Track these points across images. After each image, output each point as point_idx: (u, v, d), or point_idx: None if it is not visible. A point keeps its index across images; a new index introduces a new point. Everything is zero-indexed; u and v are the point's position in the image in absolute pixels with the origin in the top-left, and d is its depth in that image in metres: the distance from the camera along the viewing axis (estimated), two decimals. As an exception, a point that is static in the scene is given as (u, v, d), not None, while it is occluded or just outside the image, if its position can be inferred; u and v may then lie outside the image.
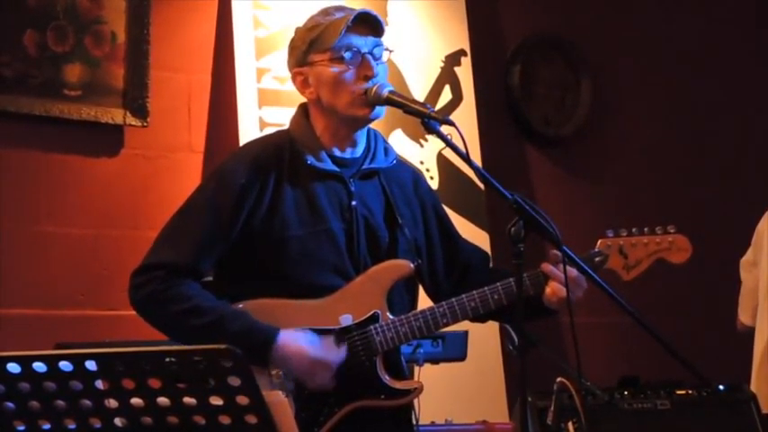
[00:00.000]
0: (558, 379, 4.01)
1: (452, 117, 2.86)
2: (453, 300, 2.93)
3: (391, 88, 2.91)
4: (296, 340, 2.83)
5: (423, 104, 2.88)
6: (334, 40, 2.90)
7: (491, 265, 3.22)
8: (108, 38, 4.55)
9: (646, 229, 3.04)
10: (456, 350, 4.02)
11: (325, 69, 2.93)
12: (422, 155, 5.04)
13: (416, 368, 3.89)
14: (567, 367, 4.03)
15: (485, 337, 4.58)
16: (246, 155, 2.99)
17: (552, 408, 4.03)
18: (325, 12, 2.97)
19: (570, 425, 4.04)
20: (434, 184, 5.04)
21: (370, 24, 2.94)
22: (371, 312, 2.91)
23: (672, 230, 3.06)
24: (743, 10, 6.12)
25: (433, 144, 5.01)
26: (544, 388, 4.07)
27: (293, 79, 3.01)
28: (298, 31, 3.01)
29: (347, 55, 2.91)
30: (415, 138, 5.03)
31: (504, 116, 5.56)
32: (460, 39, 5.28)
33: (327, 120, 2.97)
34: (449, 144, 2.81)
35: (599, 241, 3.01)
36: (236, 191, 2.89)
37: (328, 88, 2.94)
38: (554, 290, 2.92)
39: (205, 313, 2.84)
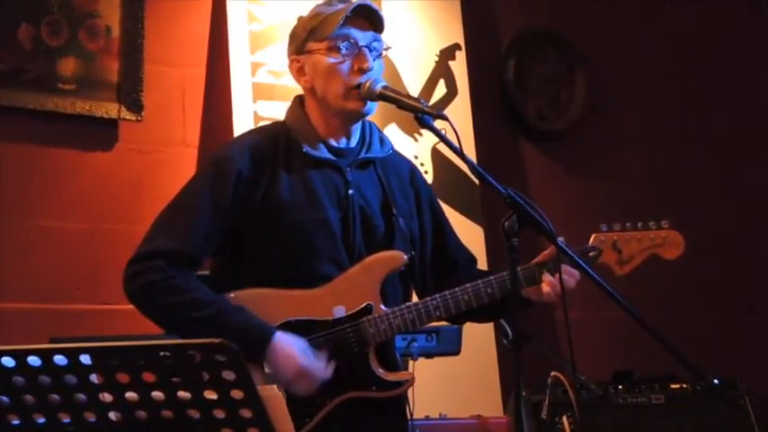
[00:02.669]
0: (553, 373, 4.02)
1: (447, 112, 2.85)
2: (447, 293, 2.92)
3: (384, 83, 2.91)
4: (289, 344, 2.80)
5: (416, 99, 2.87)
6: (333, 29, 2.90)
7: (478, 267, 3.18)
8: (102, 32, 4.55)
9: (639, 225, 3.05)
10: (450, 344, 4.02)
11: (321, 58, 2.93)
12: (416, 149, 5.04)
13: (411, 362, 3.89)
14: (561, 362, 4.04)
15: (479, 332, 4.58)
16: (242, 143, 2.99)
17: (547, 402, 4.05)
18: (329, 2, 2.98)
19: (565, 419, 4.05)
20: (429, 179, 5.04)
21: (370, 18, 2.94)
22: (365, 304, 2.89)
23: (665, 226, 3.06)
24: (737, 2, 6.12)
25: (428, 138, 5.01)
26: (539, 382, 4.08)
27: (290, 66, 3.01)
28: (300, 19, 3.02)
29: (344, 46, 2.91)
30: (410, 132, 5.03)
31: (499, 111, 5.56)
32: (455, 33, 5.28)
33: (321, 110, 2.97)
34: (442, 139, 2.81)
35: (593, 236, 3.02)
36: (232, 178, 2.88)
37: (322, 78, 2.94)
38: (549, 283, 2.91)
39: (204, 306, 2.81)
